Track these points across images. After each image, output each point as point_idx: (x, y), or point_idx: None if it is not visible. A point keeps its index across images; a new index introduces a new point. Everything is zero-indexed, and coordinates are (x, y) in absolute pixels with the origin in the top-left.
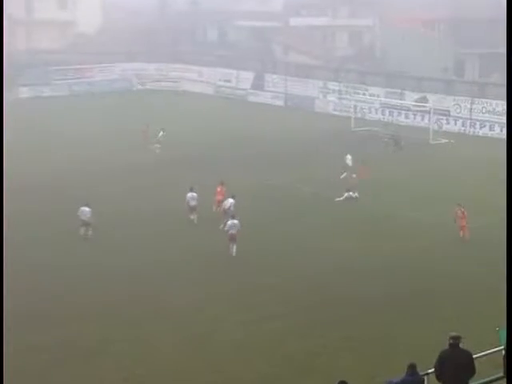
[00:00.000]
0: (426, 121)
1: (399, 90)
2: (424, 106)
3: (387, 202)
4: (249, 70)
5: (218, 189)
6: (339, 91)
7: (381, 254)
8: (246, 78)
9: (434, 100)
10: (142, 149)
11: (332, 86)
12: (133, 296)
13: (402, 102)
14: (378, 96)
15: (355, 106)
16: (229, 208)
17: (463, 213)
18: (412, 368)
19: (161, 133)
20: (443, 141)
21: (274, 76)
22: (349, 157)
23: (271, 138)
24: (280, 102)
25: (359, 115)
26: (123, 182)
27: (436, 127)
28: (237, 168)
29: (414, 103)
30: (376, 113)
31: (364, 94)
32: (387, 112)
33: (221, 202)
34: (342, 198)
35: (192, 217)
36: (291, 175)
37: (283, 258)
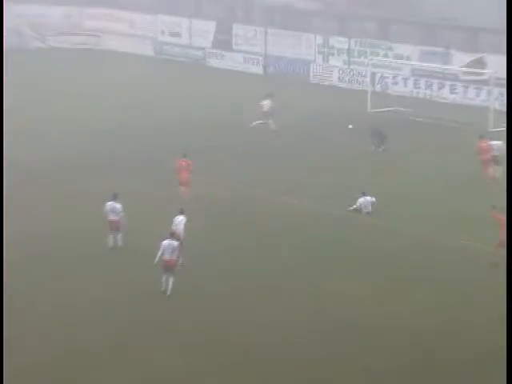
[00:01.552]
0: (483, 96)
1: (442, 49)
2: (480, 74)
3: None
4: (208, 17)
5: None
6: (348, 51)
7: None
8: (204, 30)
9: (495, 64)
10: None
11: (337, 42)
12: None
13: (447, 67)
14: (409, 58)
15: (373, 75)
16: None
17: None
18: None
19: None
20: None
21: (248, 28)
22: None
23: (242, 125)
24: (257, 69)
25: (379, 88)
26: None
27: (498, 106)
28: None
29: (464, 69)
30: (405, 84)
31: (386, 56)
32: (422, 83)
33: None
34: (352, 207)
35: (111, 242)
36: (274, 183)
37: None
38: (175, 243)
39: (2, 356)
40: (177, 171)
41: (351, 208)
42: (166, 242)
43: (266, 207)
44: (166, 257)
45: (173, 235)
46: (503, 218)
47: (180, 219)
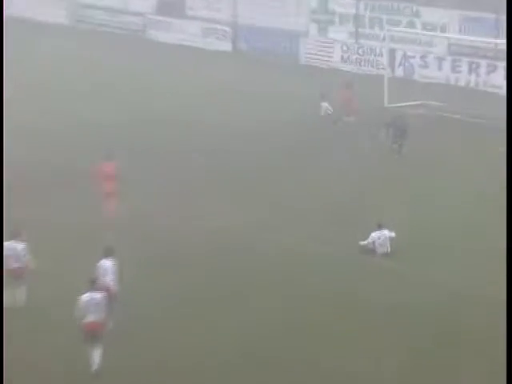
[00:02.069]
0: None
1: (492, 15)
2: None
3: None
4: None
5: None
6: (356, 19)
7: None
8: None
9: None
10: None
11: (339, 6)
12: None
13: (500, 41)
14: (445, 29)
15: (392, 53)
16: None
17: None
18: None
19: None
20: None
21: None
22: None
23: (204, 124)
24: (222, 44)
25: (401, 73)
26: None
27: None
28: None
29: None
30: (439, 67)
31: (412, 25)
32: (464, 65)
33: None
34: (364, 243)
35: (9, 299)
36: (250, 208)
37: None
38: (98, 296)
39: (3, 356)
40: (99, 180)
41: (363, 243)
42: (85, 297)
43: (240, 244)
44: (88, 319)
45: (94, 285)
46: None
47: (107, 265)
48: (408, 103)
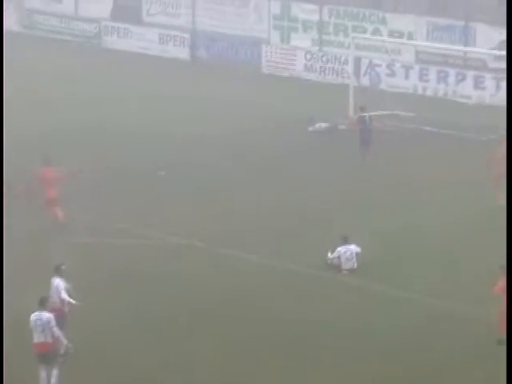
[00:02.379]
0: None
1: (461, 22)
2: None
3: None
4: None
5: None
6: (320, 25)
7: None
8: None
9: None
10: None
11: (302, 12)
12: None
13: (469, 49)
14: (412, 36)
15: (357, 61)
16: None
17: None
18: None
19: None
20: None
21: None
22: None
23: (163, 134)
24: (180, 52)
25: (367, 82)
26: None
27: None
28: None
29: (496, 52)
30: (406, 76)
31: (378, 32)
32: (433, 73)
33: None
34: (329, 258)
35: None
36: (214, 225)
37: None
38: (46, 316)
39: (2, 356)
40: (41, 185)
41: (328, 258)
42: (33, 317)
43: (195, 263)
44: (37, 339)
45: (43, 304)
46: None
47: (58, 283)
48: (374, 113)
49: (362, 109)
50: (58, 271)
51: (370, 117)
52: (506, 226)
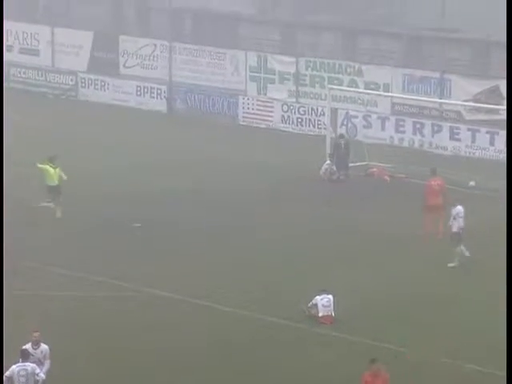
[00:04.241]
0: (500, 145)
1: (437, 74)
2: (496, 111)
3: None
4: (82, 26)
5: None
6: (296, 77)
7: None
8: (75, 44)
9: None
10: None
11: (279, 63)
12: None
13: (445, 101)
14: (388, 88)
15: (334, 113)
16: None
17: None
18: None
19: None
20: None
21: (144, 41)
22: None
23: (138, 189)
24: (157, 104)
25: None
26: None
27: None
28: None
29: (471, 104)
30: (383, 127)
31: (354, 84)
32: (409, 125)
33: None
34: (309, 304)
35: None
36: (184, 278)
37: None
38: (31, 367)
39: (2, 355)
40: None
41: (307, 307)
42: (17, 368)
43: (172, 317)
44: None
45: (26, 356)
46: None
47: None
48: (352, 164)
49: (341, 136)
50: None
51: (345, 144)
52: (506, 226)
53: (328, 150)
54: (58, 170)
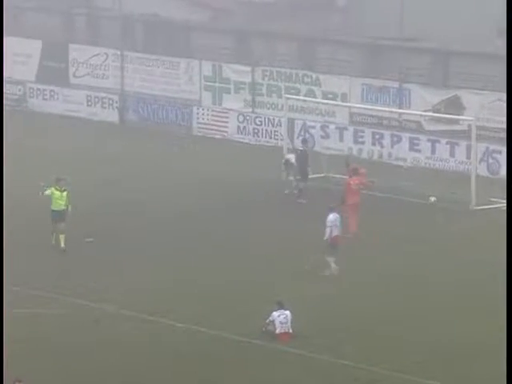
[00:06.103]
0: (461, 156)
1: (396, 84)
2: (456, 121)
3: None
4: (30, 34)
5: None
6: (252, 87)
7: None
8: (23, 53)
9: (477, 106)
10: None
11: (234, 73)
12: None
13: (404, 111)
14: (346, 97)
15: (291, 123)
16: None
17: None
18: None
19: None
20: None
21: (94, 49)
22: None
23: (91, 201)
24: (109, 114)
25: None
26: None
27: (484, 171)
28: None
29: (431, 114)
30: (341, 137)
31: (311, 94)
32: (367, 135)
33: None
34: (267, 321)
35: None
36: (143, 291)
37: None
38: None
39: (2, 354)
40: None
41: (265, 323)
42: None
43: (123, 332)
44: None
45: None
46: None
47: None
48: (310, 176)
49: (304, 141)
50: None
51: (305, 150)
52: (506, 227)
53: (284, 161)
54: (65, 193)
